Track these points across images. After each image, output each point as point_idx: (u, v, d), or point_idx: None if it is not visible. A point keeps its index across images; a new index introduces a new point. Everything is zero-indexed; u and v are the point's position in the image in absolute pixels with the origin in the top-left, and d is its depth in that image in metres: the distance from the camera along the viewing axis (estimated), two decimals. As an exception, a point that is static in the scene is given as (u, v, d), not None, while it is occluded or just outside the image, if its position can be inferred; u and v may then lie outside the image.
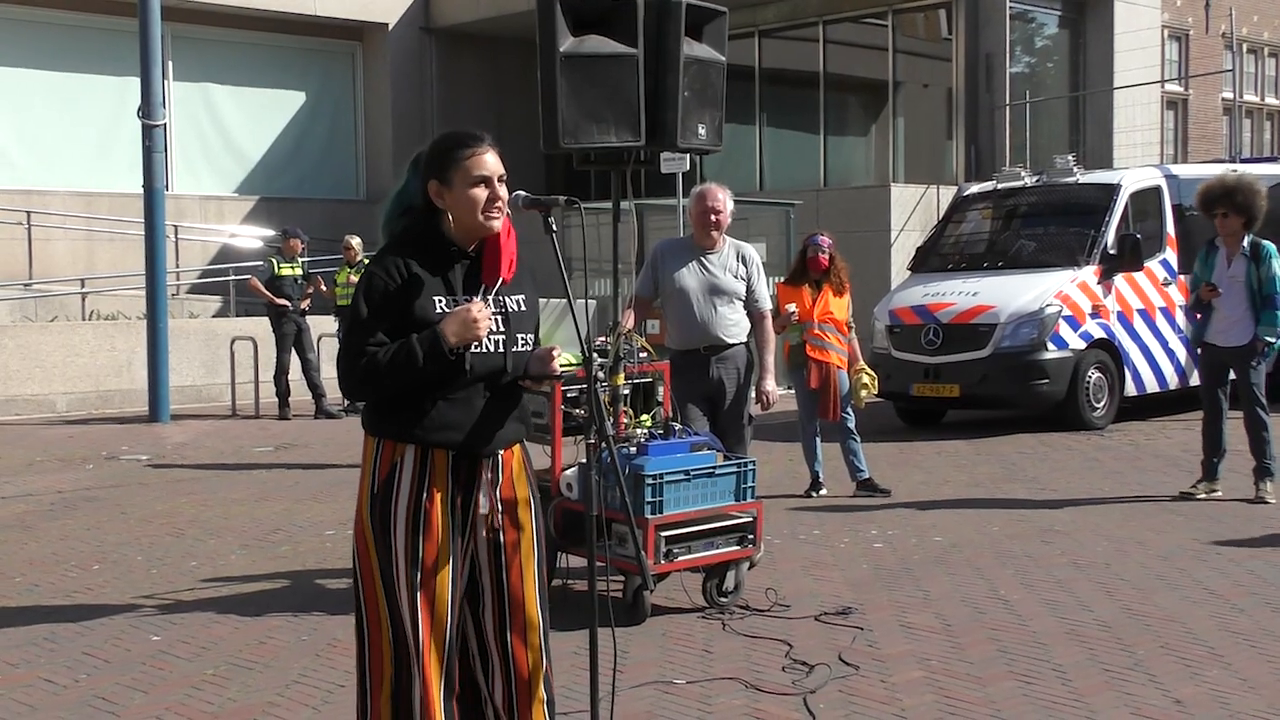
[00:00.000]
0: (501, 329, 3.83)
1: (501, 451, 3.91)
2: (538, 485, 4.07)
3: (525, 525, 3.95)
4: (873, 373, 10.43)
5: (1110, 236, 14.06)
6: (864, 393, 10.23)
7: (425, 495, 3.83)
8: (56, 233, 20.10)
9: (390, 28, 23.69)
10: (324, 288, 16.19)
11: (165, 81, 17.98)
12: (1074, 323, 13.60)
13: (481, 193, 3.80)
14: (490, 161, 3.82)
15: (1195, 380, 14.63)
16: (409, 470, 3.83)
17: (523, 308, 3.93)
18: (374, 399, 3.86)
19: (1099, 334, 13.78)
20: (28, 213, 19.50)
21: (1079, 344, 13.62)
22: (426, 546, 3.83)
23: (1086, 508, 9.40)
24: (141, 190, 15.94)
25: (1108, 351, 13.87)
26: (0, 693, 5.57)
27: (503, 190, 3.83)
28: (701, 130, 7.50)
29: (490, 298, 3.85)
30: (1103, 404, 13.75)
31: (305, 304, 16.05)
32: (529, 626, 3.92)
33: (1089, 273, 13.86)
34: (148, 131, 15.62)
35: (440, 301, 3.79)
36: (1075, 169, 15.12)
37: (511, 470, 3.95)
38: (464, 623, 3.93)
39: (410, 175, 3.90)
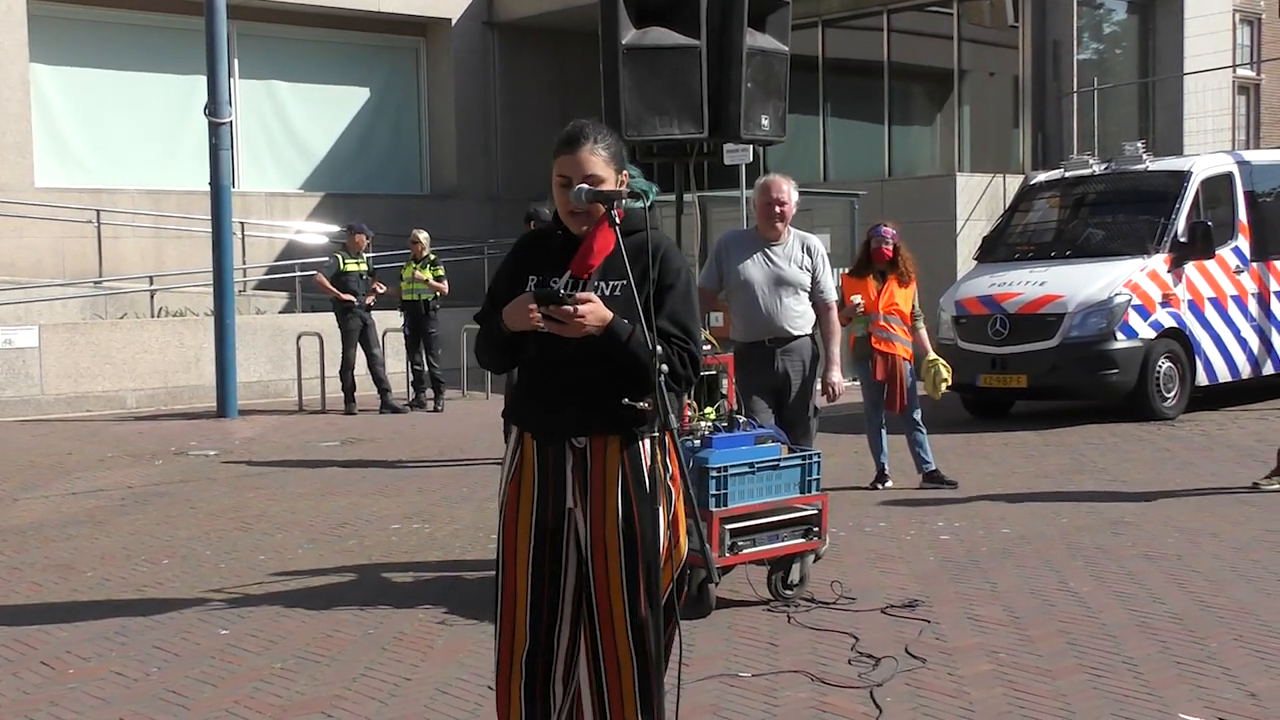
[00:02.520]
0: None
1: (588, 441, 3.88)
2: (653, 481, 3.88)
3: (612, 522, 3.86)
4: (947, 364, 10.34)
5: (1181, 224, 13.88)
6: (943, 385, 10.15)
7: (515, 479, 3.91)
8: (125, 231, 20.32)
9: (454, 22, 23.75)
10: (382, 288, 16.20)
11: (231, 79, 18.15)
12: (1144, 312, 13.43)
13: (564, 191, 3.89)
14: (575, 162, 3.86)
15: (1269, 369, 14.49)
16: (510, 452, 3.97)
17: (617, 294, 3.86)
18: (492, 369, 4.08)
19: (1169, 323, 13.60)
20: (97, 211, 19.72)
21: (1149, 333, 13.45)
22: (506, 534, 3.91)
23: (1157, 499, 9.28)
24: (208, 188, 16.08)
25: (1178, 341, 13.69)
26: (73, 686, 5.63)
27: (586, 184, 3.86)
28: (765, 121, 7.48)
29: (562, 282, 3.87)
30: (1173, 394, 13.58)
31: (370, 299, 16.14)
32: (616, 634, 3.88)
33: (1159, 261, 13.68)
34: (214, 129, 15.76)
35: (533, 281, 3.91)
36: (1144, 156, 14.93)
37: (604, 463, 3.89)
38: (570, 614, 3.93)
39: None
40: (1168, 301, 13.62)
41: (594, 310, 3.75)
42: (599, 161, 3.87)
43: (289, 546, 8.40)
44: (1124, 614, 6.35)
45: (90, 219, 19.67)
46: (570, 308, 3.73)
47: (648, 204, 3.86)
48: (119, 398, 17.03)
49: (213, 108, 15.72)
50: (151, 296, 19.34)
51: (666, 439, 3.84)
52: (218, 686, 5.59)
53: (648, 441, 3.89)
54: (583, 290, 3.83)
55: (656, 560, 3.80)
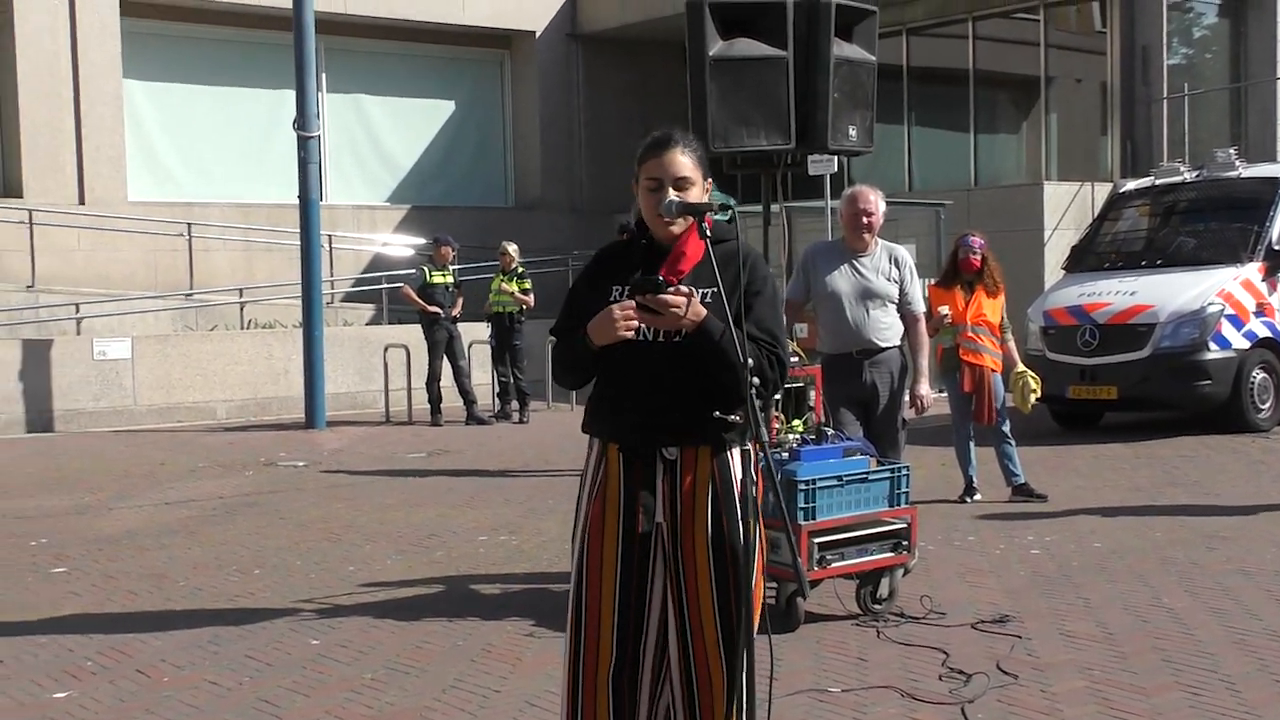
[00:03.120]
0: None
1: (674, 453, 3.86)
2: (745, 495, 3.83)
3: (701, 534, 3.83)
4: (1036, 376, 10.23)
5: (1275, 232, 13.65)
6: (1032, 398, 10.05)
7: (600, 492, 3.88)
8: (215, 244, 20.61)
9: (538, 35, 23.88)
10: (458, 307, 16.28)
11: (319, 94, 18.37)
12: (1237, 321, 13.22)
13: (653, 195, 3.88)
14: (664, 164, 3.87)
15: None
16: (592, 465, 3.93)
17: (707, 301, 3.82)
18: (568, 385, 4.10)
19: (1264, 333, 13.38)
20: (188, 224, 20.01)
21: (1243, 344, 13.23)
22: (590, 547, 3.88)
23: (1253, 513, 9.11)
24: (297, 201, 16.27)
25: (1273, 351, 13.46)
26: (168, 694, 5.70)
27: (678, 195, 3.84)
28: (852, 131, 7.45)
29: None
30: (1268, 405, 13.35)
31: (456, 311, 16.24)
32: (708, 649, 3.84)
33: (1253, 270, 13.47)
34: (303, 143, 15.94)
35: (617, 291, 3.88)
36: (1237, 162, 14.71)
37: (694, 475, 3.86)
38: (656, 629, 3.89)
39: None
40: (1262, 311, 13.39)
41: (692, 304, 3.75)
42: (688, 164, 3.88)
43: (377, 557, 8.46)
44: (1220, 630, 6.24)
45: (181, 232, 19.97)
46: (670, 297, 3.72)
47: (733, 215, 3.85)
48: (209, 409, 17.26)
49: (301, 122, 15.91)
50: (241, 309, 19.61)
51: (753, 451, 3.83)
52: (309, 696, 5.64)
53: (736, 452, 3.88)
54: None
55: (749, 572, 3.78)
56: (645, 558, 3.87)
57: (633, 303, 3.77)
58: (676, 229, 3.89)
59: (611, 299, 3.87)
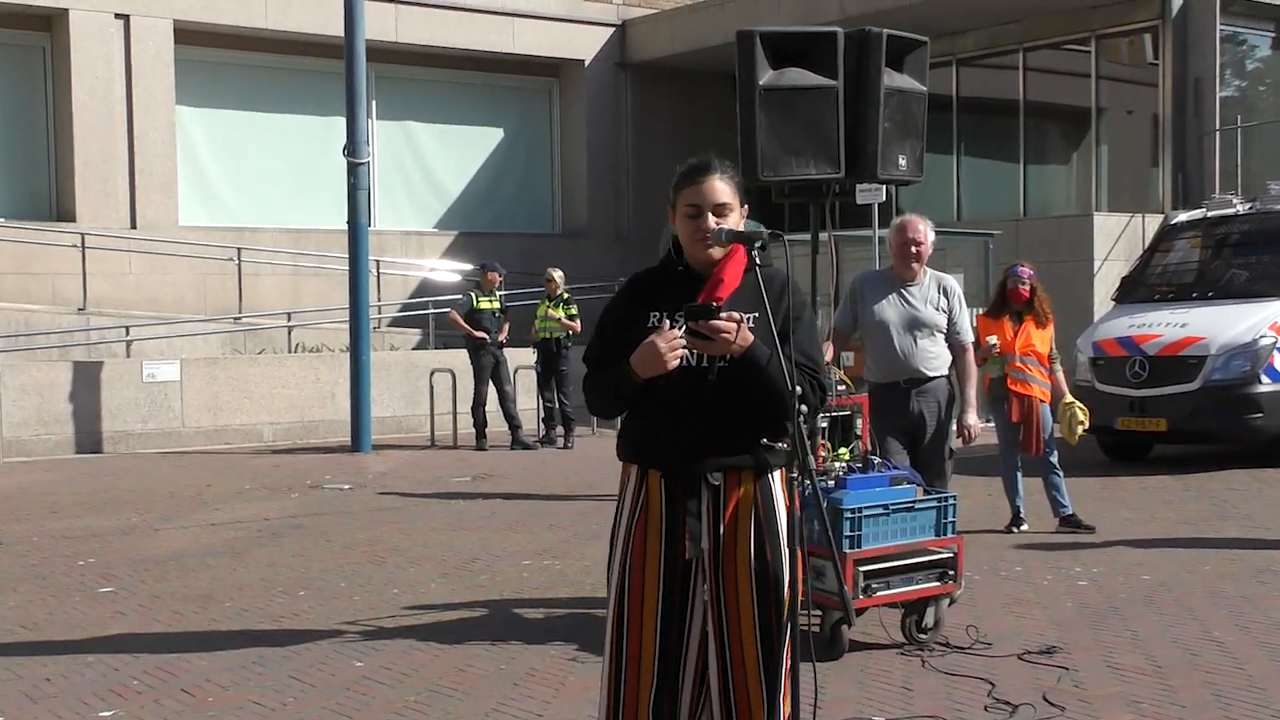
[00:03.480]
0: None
1: (719, 478, 3.85)
2: (791, 522, 3.85)
3: (744, 560, 3.82)
4: (1084, 407, 10.16)
5: (1327, 264, 13.52)
6: (1079, 429, 9.99)
7: (640, 518, 3.87)
8: (265, 268, 20.78)
9: (586, 64, 24.00)
10: (504, 332, 16.34)
11: (369, 120, 18.49)
12: (1289, 355, 13.09)
13: (692, 221, 3.89)
14: (704, 191, 3.88)
15: None
16: (630, 491, 3.93)
17: (750, 326, 3.81)
18: (605, 415, 4.09)
19: (1316, 366, 13.24)
20: (238, 249, 20.18)
21: (1294, 377, 13.10)
22: (632, 574, 3.86)
23: (1305, 547, 9.02)
24: (346, 226, 16.38)
25: (1324, 384, 13.32)
26: (213, 714, 5.73)
27: (717, 221, 3.86)
28: (902, 161, 7.43)
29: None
30: (1320, 439, 13.19)
31: (503, 337, 16.29)
32: (748, 675, 3.82)
33: (1305, 303, 13.33)
34: (352, 169, 16.06)
35: (655, 317, 3.87)
36: (1289, 195, 14.59)
37: (737, 501, 3.86)
38: (697, 659, 3.88)
39: None
40: (1314, 344, 13.25)
41: (741, 329, 3.75)
42: (727, 191, 3.91)
43: (421, 580, 8.47)
44: (1270, 666, 6.17)
45: (231, 257, 20.14)
46: (722, 323, 3.71)
47: (767, 243, 3.85)
48: (256, 431, 17.36)
49: (351, 148, 16.02)
50: (289, 332, 19.73)
51: (797, 477, 3.82)
52: (352, 718, 5.65)
53: (777, 475, 3.88)
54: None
55: (791, 599, 3.76)
56: (686, 584, 3.86)
57: (676, 331, 3.76)
58: (717, 255, 3.90)
59: (650, 325, 3.87)
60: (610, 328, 3.99)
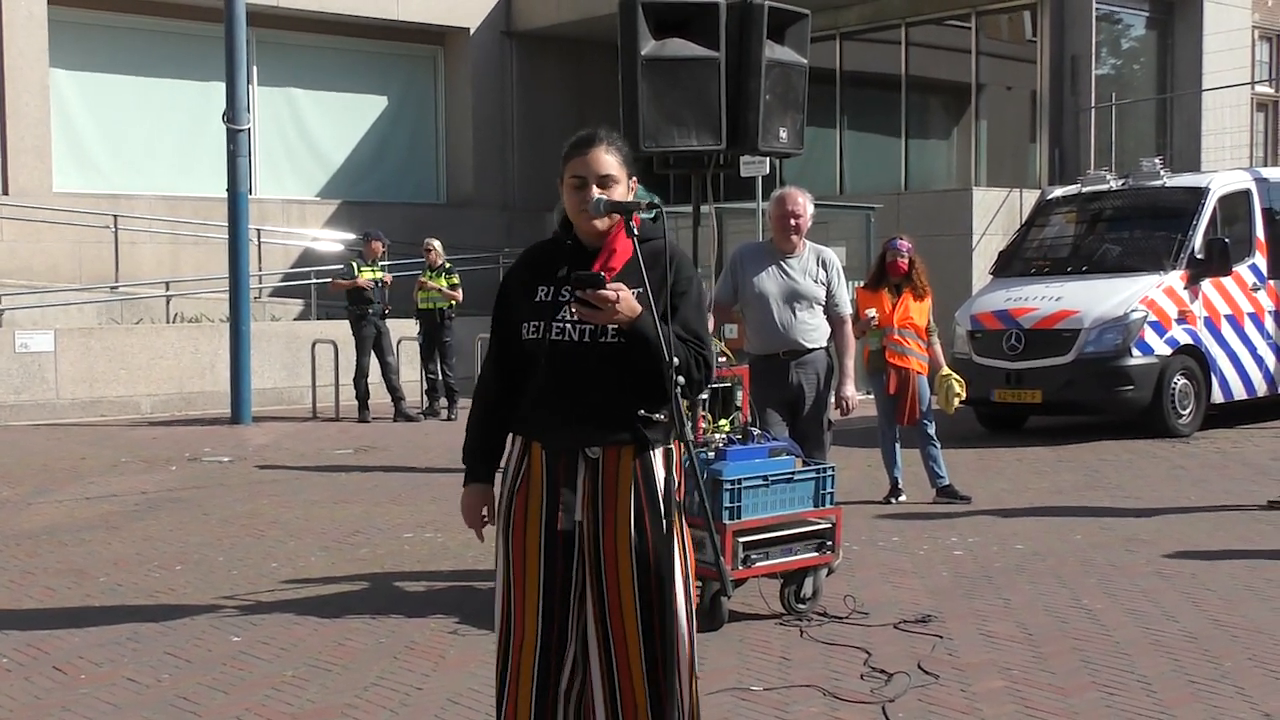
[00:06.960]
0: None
1: (597, 452, 3.84)
2: (667, 492, 3.82)
3: (624, 533, 3.82)
4: (961, 379, 10.32)
5: (1198, 241, 13.85)
6: (956, 400, 10.14)
7: (521, 490, 3.88)
8: (142, 236, 20.35)
9: (472, 32, 23.79)
10: (388, 278, 16.30)
11: (249, 86, 18.18)
12: (1160, 328, 13.40)
13: (578, 193, 3.88)
14: (589, 162, 3.87)
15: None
16: (513, 462, 3.94)
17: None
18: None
19: (1185, 340, 13.57)
20: (114, 216, 19.75)
21: (1164, 350, 13.41)
22: (514, 544, 3.88)
23: (1172, 516, 9.25)
24: (225, 194, 16.12)
25: (1194, 358, 13.66)
26: (85, 691, 5.63)
27: (600, 192, 3.85)
28: (783, 133, 7.48)
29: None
30: (1188, 411, 13.54)
31: (386, 308, 16.14)
32: (629, 645, 3.83)
33: (1175, 278, 13.65)
34: (232, 136, 15.80)
35: (542, 290, 3.89)
36: (1162, 172, 14.91)
37: (616, 473, 3.85)
38: (578, 631, 3.89)
39: None
40: (1184, 318, 13.58)
41: (627, 299, 3.74)
42: (613, 162, 3.89)
43: (301, 554, 8.40)
44: (1137, 631, 6.33)
45: (107, 224, 19.70)
46: (607, 292, 3.70)
47: (659, 214, 3.84)
48: (133, 403, 17.05)
49: (231, 114, 15.76)
50: (167, 302, 19.39)
51: (675, 451, 3.85)
52: (229, 694, 5.59)
53: (659, 451, 3.88)
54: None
55: (670, 571, 3.77)
56: (569, 556, 3.86)
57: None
58: (602, 227, 3.89)
59: (538, 299, 3.88)
60: (506, 302, 4.01)
